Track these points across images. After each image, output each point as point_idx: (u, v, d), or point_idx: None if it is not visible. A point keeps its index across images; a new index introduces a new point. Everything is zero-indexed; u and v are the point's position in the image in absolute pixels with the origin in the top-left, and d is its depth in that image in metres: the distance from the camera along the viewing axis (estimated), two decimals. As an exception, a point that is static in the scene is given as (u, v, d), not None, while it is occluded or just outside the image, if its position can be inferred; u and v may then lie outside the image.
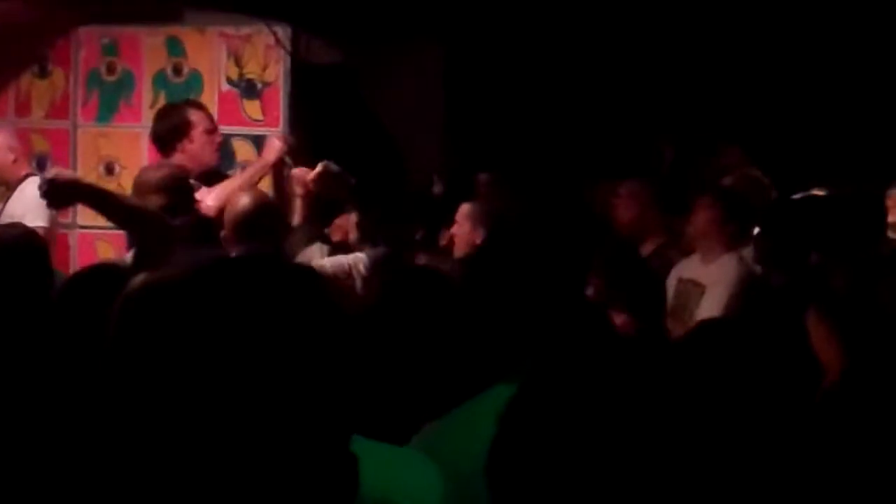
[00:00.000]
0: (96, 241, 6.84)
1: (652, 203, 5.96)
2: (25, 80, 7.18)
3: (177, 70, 6.97)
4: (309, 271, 1.78)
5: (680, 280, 5.32)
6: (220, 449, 1.49)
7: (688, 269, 5.36)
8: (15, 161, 6.39)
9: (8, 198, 6.28)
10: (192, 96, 6.83)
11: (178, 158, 5.58)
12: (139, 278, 2.48)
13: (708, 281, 5.15)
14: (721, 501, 1.17)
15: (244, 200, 4.85)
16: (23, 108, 7.22)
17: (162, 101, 6.96)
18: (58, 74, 7.13)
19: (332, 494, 1.54)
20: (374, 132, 7.70)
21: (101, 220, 4.93)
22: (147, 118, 6.98)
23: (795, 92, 7.90)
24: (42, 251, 3.99)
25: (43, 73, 7.17)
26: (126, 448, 1.62)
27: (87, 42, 7.10)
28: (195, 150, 5.67)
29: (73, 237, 6.96)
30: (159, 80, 6.99)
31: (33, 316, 3.49)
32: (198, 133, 5.70)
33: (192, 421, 1.50)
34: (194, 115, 5.76)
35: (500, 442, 1.26)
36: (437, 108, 8.04)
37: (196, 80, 6.92)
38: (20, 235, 4.02)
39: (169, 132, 5.70)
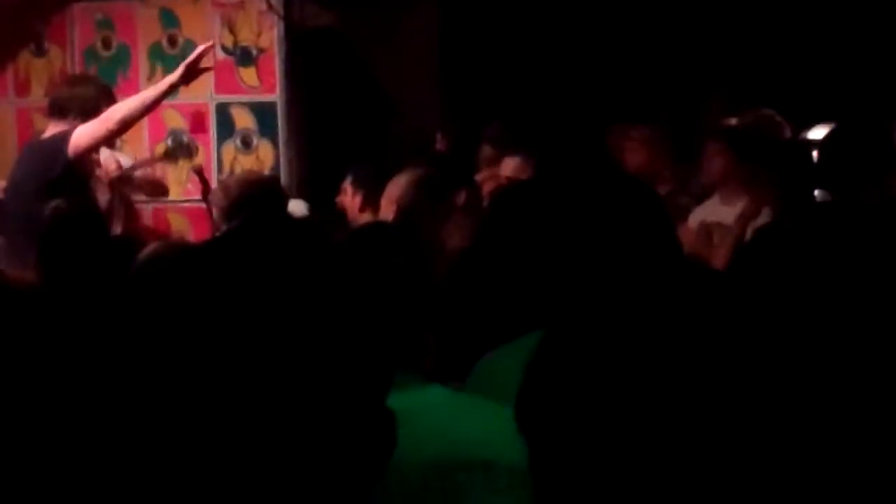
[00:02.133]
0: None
1: (662, 149, 5.96)
2: (23, 59, 7.20)
3: (172, 41, 6.99)
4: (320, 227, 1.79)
5: (703, 224, 5.30)
6: (246, 410, 1.49)
7: (710, 212, 5.34)
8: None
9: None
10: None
11: (58, 128, 5.39)
12: (150, 246, 2.52)
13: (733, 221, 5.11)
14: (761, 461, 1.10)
15: (228, 184, 4.93)
16: (22, 88, 7.25)
17: (159, 74, 6.97)
18: (55, 52, 7.15)
19: (367, 454, 1.52)
20: (371, 93, 7.71)
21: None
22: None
23: (788, 35, 7.88)
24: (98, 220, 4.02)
25: (40, 52, 7.19)
26: (151, 414, 1.62)
27: (82, 18, 7.12)
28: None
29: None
30: (155, 53, 7.01)
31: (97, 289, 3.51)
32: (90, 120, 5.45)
33: (214, 382, 1.49)
34: (103, 104, 5.49)
35: (528, 386, 1.21)
36: (433, 66, 8.03)
37: (191, 49, 6.89)
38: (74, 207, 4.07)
39: (73, 105, 5.43)
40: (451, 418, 1.92)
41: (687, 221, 5.33)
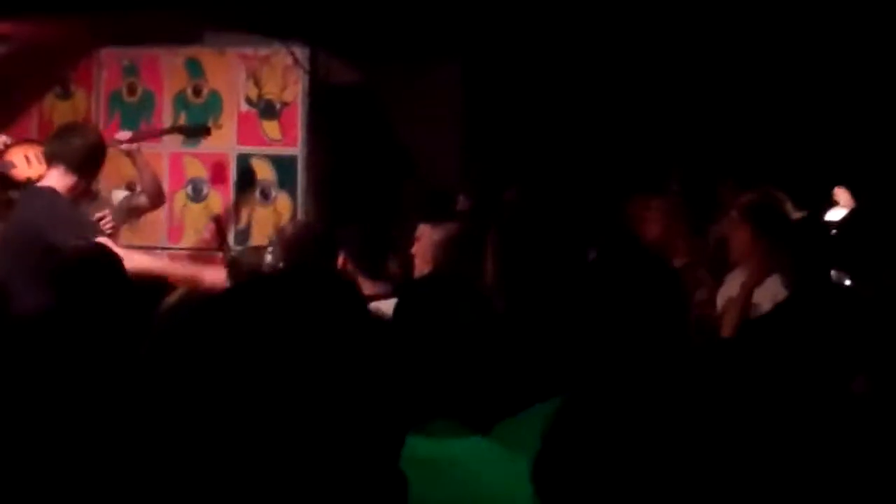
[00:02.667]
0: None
1: (680, 221, 5.97)
2: (48, 101, 7.26)
3: (196, 91, 7.04)
4: (349, 284, 1.77)
5: (730, 300, 5.31)
6: (263, 466, 1.48)
7: (734, 287, 5.35)
8: None
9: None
10: (211, 117, 6.92)
11: (75, 183, 5.32)
12: (175, 294, 2.51)
13: (758, 299, 5.13)
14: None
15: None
16: (45, 129, 7.27)
17: (183, 122, 7.03)
18: (80, 96, 7.20)
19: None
20: (392, 150, 7.73)
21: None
22: (169, 139, 7.05)
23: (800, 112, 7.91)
24: (114, 264, 3.99)
25: (65, 95, 7.25)
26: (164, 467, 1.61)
27: (109, 63, 7.17)
28: (75, 185, 5.34)
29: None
30: (179, 101, 7.06)
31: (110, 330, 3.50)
32: (91, 174, 5.44)
33: (230, 437, 1.48)
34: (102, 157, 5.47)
35: (545, 455, 1.25)
36: (456, 126, 8.06)
37: (215, 100, 6.98)
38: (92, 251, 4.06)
39: (94, 159, 5.40)
40: (477, 470, 1.96)
41: (705, 292, 5.35)
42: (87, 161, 5.32)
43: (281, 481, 1.46)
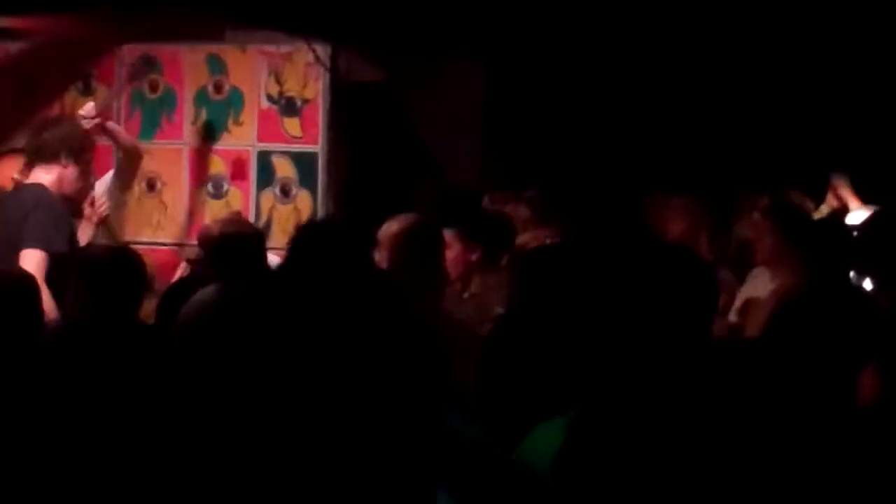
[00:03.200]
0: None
1: (702, 220, 5.94)
2: (69, 96, 7.26)
3: (218, 87, 7.04)
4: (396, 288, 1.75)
5: (751, 300, 5.28)
6: (302, 469, 1.47)
7: (758, 287, 5.32)
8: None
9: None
10: (232, 114, 6.91)
11: (44, 175, 5.24)
12: (211, 288, 2.49)
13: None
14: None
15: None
16: (67, 125, 7.31)
17: (203, 119, 7.03)
18: (101, 92, 7.21)
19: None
20: (414, 148, 7.72)
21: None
22: (188, 135, 7.07)
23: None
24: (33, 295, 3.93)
25: (86, 91, 7.25)
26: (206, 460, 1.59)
27: (130, 60, 7.18)
28: (67, 175, 5.29)
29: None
30: (200, 98, 7.06)
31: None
32: (82, 161, 5.35)
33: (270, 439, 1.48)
34: (87, 142, 5.45)
35: (568, 449, 1.25)
36: (477, 123, 8.05)
37: (237, 97, 6.98)
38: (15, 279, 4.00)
39: (72, 147, 5.30)
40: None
41: (722, 297, 5.32)
42: (66, 150, 5.25)
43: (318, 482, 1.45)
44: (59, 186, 5.24)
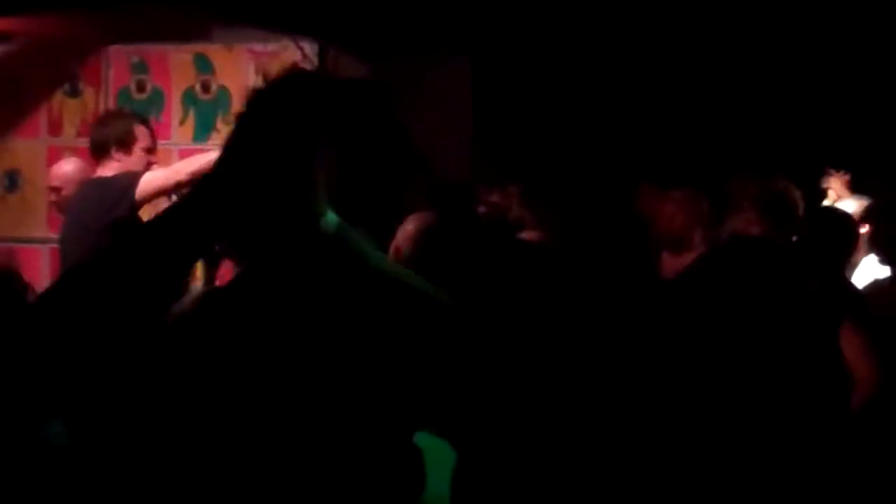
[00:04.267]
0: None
1: (697, 211, 5.93)
2: (57, 99, 7.25)
3: (205, 87, 7.03)
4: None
5: None
6: (282, 439, 1.48)
7: None
8: None
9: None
10: (220, 113, 6.90)
11: (110, 168, 5.29)
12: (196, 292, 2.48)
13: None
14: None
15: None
16: (55, 127, 7.30)
17: (191, 119, 7.02)
18: (88, 93, 7.20)
19: (398, 487, 1.53)
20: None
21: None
22: (177, 135, 7.05)
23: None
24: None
25: (74, 93, 7.24)
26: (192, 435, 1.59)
27: (117, 61, 7.17)
28: (131, 163, 5.31)
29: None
30: (188, 98, 7.05)
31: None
32: (137, 148, 5.36)
33: (252, 412, 1.48)
34: (139, 130, 5.42)
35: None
36: (465, 120, 8.05)
37: (224, 96, 6.97)
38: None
39: (110, 140, 5.33)
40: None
41: None
42: (134, 140, 5.31)
43: (300, 452, 1.46)
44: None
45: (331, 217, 1.61)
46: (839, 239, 4.95)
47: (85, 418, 1.80)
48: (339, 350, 1.53)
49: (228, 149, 1.61)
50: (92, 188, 5.33)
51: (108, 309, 1.51)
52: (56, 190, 5.92)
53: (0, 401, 1.55)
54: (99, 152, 5.35)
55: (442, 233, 4.56)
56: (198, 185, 1.68)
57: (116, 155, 5.30)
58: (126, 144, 5.33)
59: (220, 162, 1.58)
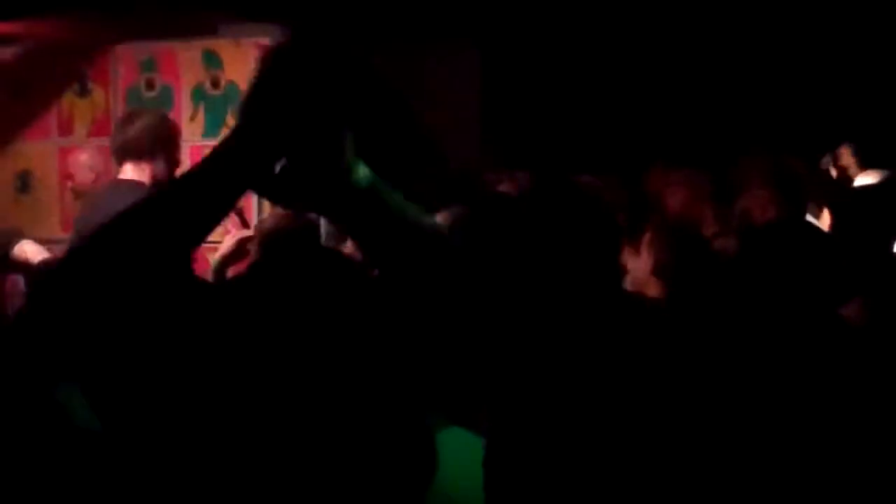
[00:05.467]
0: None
1: (704, 191, 5.93)
2: (67, 99, 7.27)
3: (214, 82, 7.04)
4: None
5: None
6: (292, 419, 1.47)
7: None
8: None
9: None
10: (231, 108, 6.91)
11: (152, 169, 4.99)
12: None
13: None
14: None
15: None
16: (65, 128, 7.31)
17: (201, 115, 7.04)
18: (98, 93, 7.21)
19: (410, 468, 1.52)
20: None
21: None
22: (188, 132, 7.04)
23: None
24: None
25: (83, 92, 7.25)
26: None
27: (125, 59, 7.18)
28: (159, 169, 4.98)
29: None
30: (198, 94, 7.06)
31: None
32: (170, 152, 5.04)
33: (264, 394, 1.48)
34: (175, 128, 5.21)
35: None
36: (474, 110, 8.05)
37: (234, 91, 6.98)
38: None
39: (157, 139, 5.00)
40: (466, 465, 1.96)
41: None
42: (153, 144, 4.99)
43: (310, 433, 1.45)
44: (153, 181, 4.97)
45: (363, 170, 1.61)
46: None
47: (102, 383, 1.81)
48: (371, 320, 1.53)
49: (250, 102, 1.61)
50: (114, 193, 4.95)
51: (134, 262, 1.52)
52: (70, 176, 5.91)
53: (19, 364, 1.56)
54: (142, 153, 5.00)
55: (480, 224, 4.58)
56: (224, 139, 1.68)
57: (162, 154, 5.00)
58: (175, 142, 5.09)
59: (242, 115, 1.59)
